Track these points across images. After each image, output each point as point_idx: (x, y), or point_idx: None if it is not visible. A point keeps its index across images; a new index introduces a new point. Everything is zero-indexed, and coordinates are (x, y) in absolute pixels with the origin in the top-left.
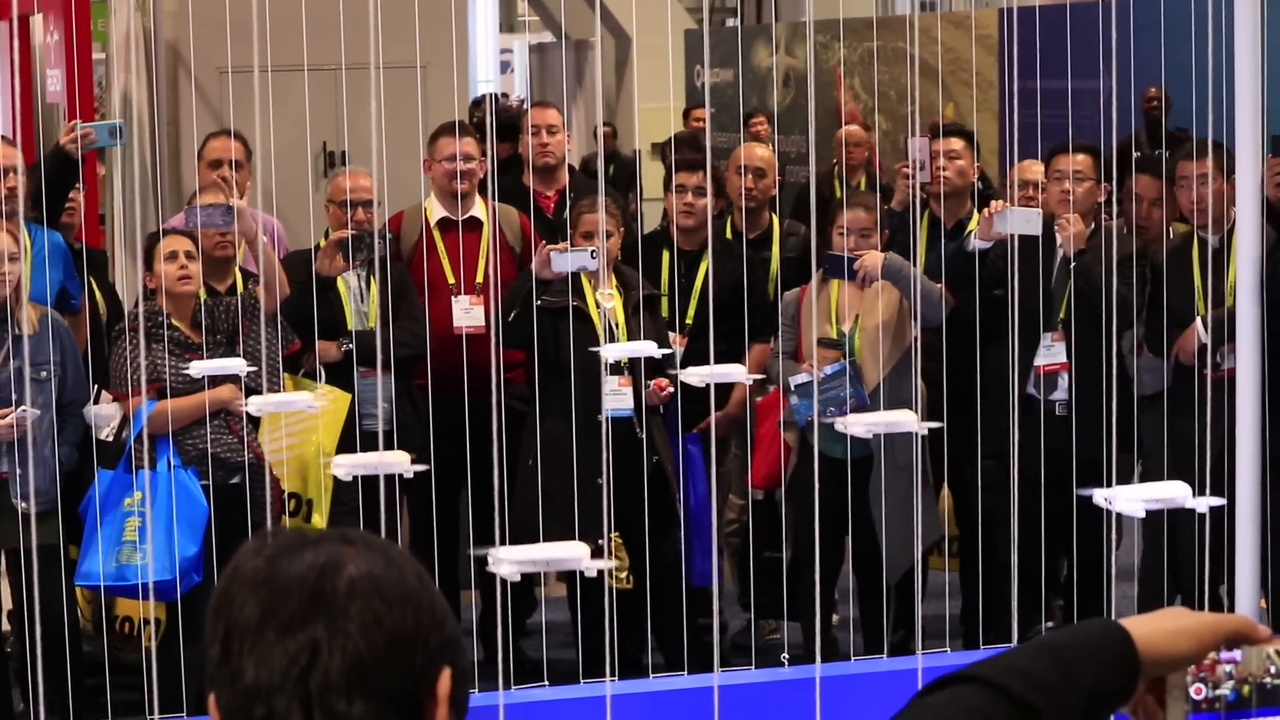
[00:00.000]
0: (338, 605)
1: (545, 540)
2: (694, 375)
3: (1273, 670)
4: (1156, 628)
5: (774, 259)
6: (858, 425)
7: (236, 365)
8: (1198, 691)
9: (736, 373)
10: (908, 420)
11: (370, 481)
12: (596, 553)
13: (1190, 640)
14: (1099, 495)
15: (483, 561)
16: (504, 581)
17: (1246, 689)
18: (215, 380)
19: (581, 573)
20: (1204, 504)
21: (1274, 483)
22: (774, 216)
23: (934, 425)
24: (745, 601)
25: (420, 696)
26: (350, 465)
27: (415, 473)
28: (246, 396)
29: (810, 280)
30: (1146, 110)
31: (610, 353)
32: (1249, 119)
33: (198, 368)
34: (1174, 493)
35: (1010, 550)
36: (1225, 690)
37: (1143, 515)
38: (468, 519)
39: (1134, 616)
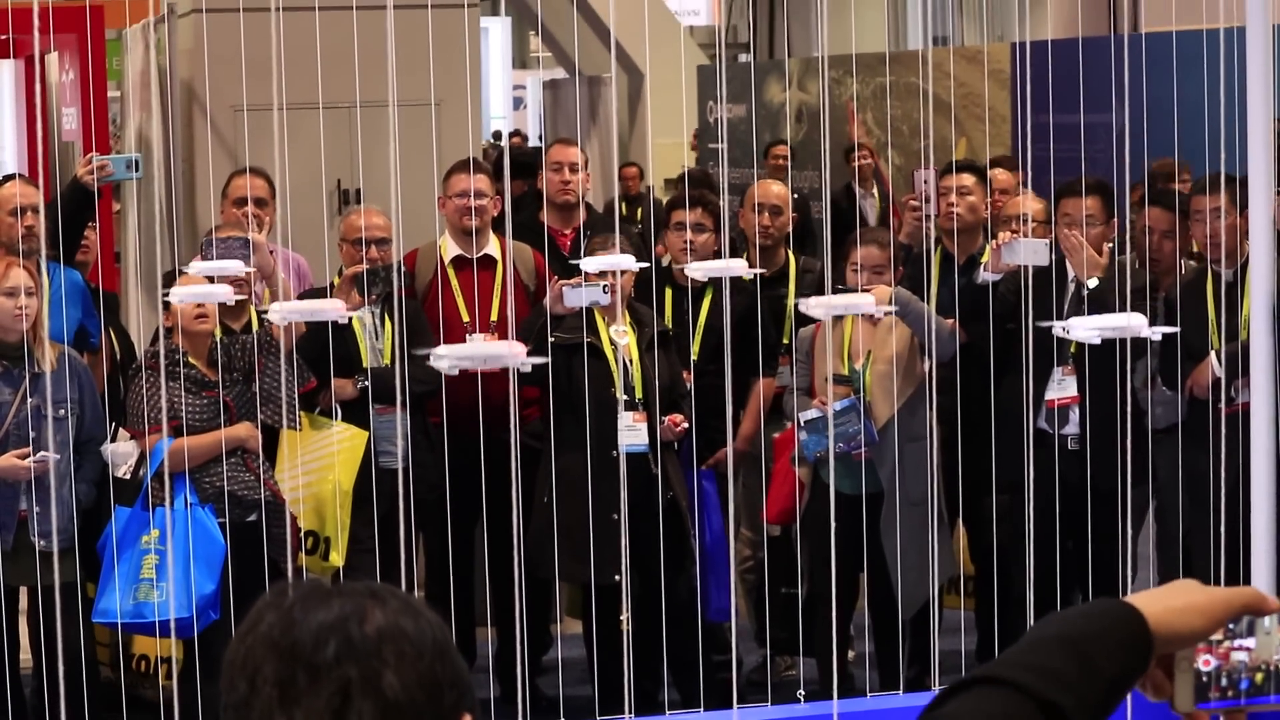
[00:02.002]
0: (369, 649)
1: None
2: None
3: None
4: (1167, 605)
5: (790, 295)
6: (818, 309)
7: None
8: (1205, 664)
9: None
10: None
11: (387, 520)
12: (611, 590)
13: (1201, 616)
14: (1057, 326)
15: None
16: (521, 618)
17: (1260, 675)
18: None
19: (597, 609)
20: (1157, 332)
21: None
22: (789, 253)
23: (887, 310)
24: (761, 637)
25: None
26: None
27: (432, 504)
28: (264, 434)
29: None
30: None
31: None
32: (1261, 153)
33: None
34: (1129, 322)
35: (1025, 584)
36: (1240, 676)
37: (1097, 342)
38: (483, 555)
39: (1143, 593)
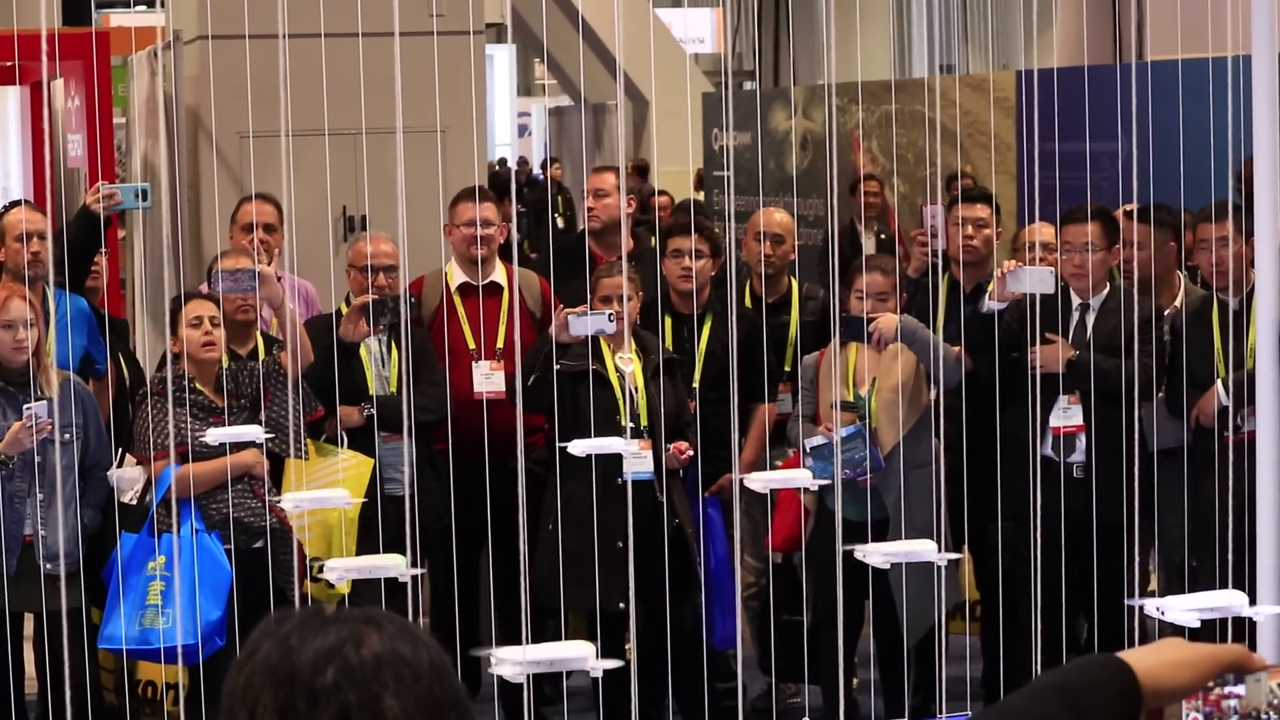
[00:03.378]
0: (367, 673)
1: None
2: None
3: (1276, 703)
4: (1157, 660)
5: (793, 323)
6: (875, 555)
7: (254, 432)
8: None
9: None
10: (926, 550)
11: (393, 548)
12: (616, 618)
13: (1190, 671)
14: (1150, 605)
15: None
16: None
17: None
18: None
19: (602, 637)
20: (1261, 614)
21: None
22: (793, 281)
23: (954, 556)
24: (765, 665)
25: None
26: (344, 570)
27: (437, 532)
28: (270, 461)
29: (829, 343)
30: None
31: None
32: (1267, 180)
33: (214, 435)
34: (1229, 601)
35: (1031, 611)
36: None
37: (1197, 625)
38: (489, 582)
39: (1133, 650)
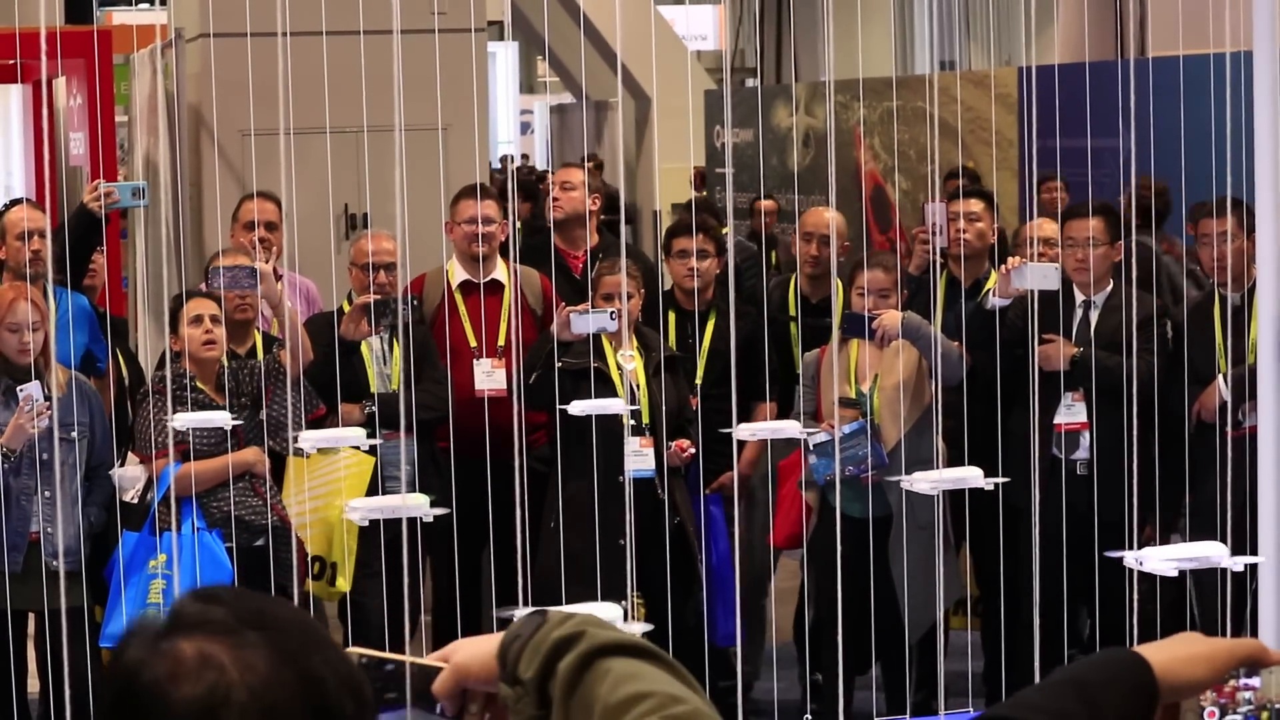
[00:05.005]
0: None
1: (568, 601)
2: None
3: None
4: (1173, 655)
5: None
6: (923, 483)
7: (222, 418)
8: (1210, 715)
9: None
10: (973, 476)
11: (394, 546)
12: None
13: (1205, 666)
14: (1129, 557)
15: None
16: None
17: (1265, 715)
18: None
19: None
20: (1239, 562)
21: None
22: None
23: (1001, 480)
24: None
25: None
26: (367, 509)
27: (439, 530)
28: (271, 459)
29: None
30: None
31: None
32: (1269, 176)
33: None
34: (1208, 551)
35: (1031, 607)
36: (1243, 715)
37: (1174, 574)
38: (490, 580)
39: (1150, 644)
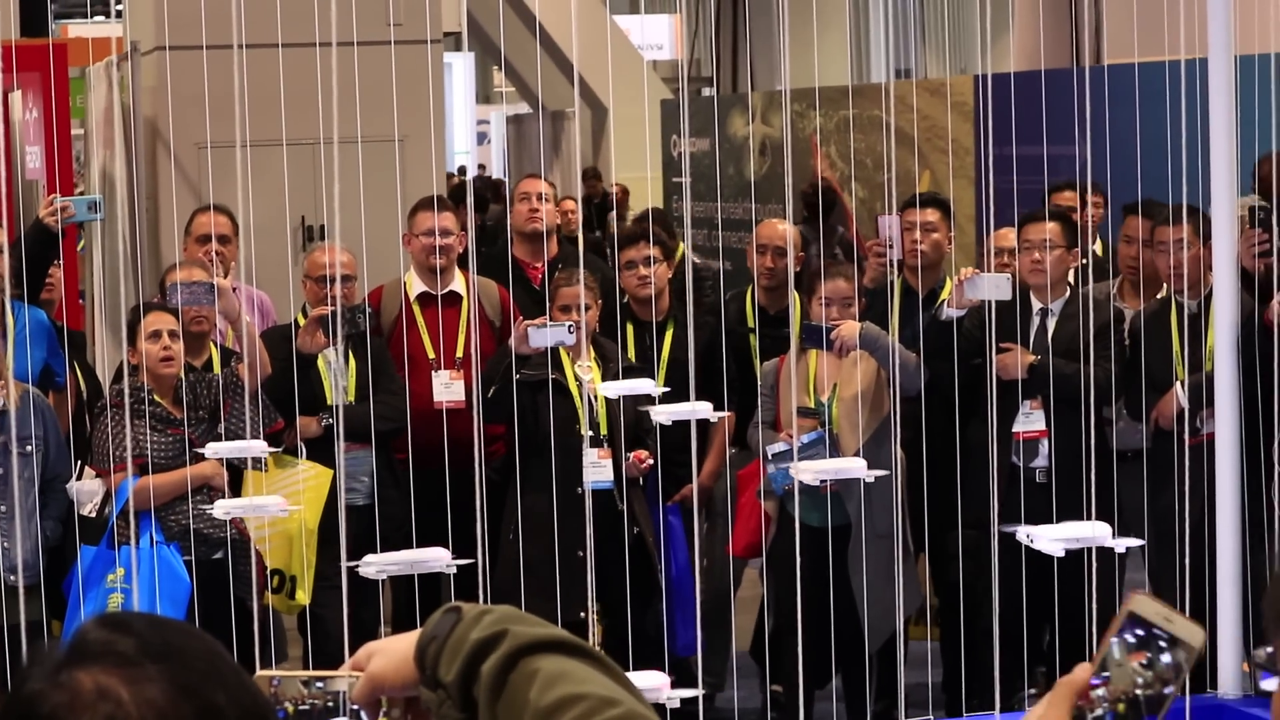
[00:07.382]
0: None
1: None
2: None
3: (1140, 681)
4: None
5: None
6: (806, 474)
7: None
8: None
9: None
10: (856, 467)
11: (353, 558)
12: (578, 627)
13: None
14: (1020, 532)
15: None
16: None
17: (1122, 706)
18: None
19: None
20: (1122, 544)
21: (1253, 545)
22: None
23: (880, 473)
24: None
25: None
26: (383, 564)
27: (397, 543)
28: (229, 472)
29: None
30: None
31: (660, 414)
32: (1224, 184)
33: (213, 449)
34: (1093, 532)
35: (991, 617)
36: (1103, 713)
37: (1061, 554)
38: (449, 592)
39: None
